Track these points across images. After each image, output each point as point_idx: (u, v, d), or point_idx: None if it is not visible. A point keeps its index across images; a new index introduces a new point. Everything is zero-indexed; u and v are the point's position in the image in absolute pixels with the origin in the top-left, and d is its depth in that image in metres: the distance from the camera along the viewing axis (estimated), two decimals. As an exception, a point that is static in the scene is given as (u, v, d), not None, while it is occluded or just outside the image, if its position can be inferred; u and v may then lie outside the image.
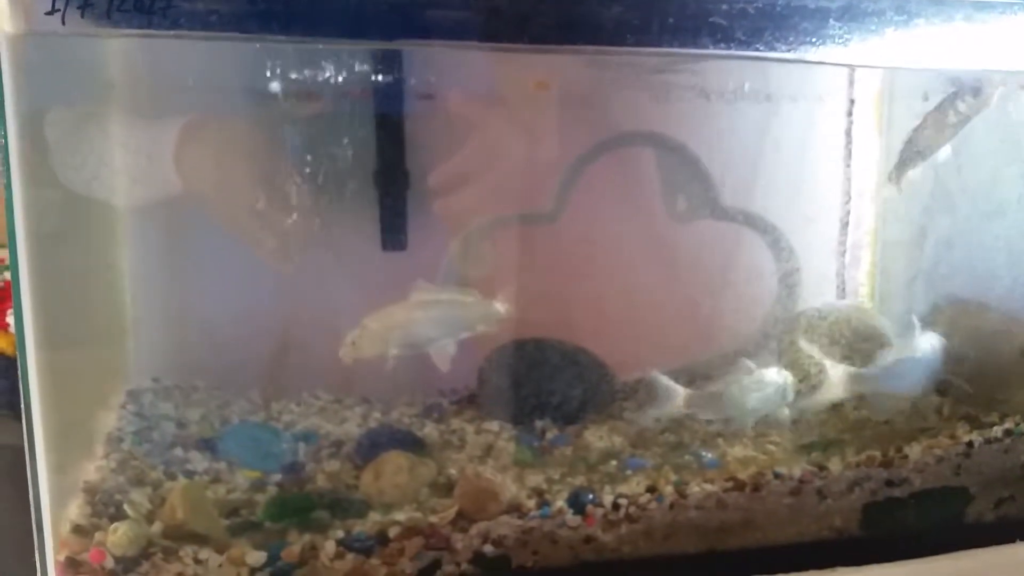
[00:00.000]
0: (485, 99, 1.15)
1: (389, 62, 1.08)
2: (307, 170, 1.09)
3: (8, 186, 0.81)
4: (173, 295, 1.15)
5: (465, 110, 1.15)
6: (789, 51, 0.89)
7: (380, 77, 1.09)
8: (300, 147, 1.09)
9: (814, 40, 0.88)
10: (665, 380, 1.03)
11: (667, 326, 1.18)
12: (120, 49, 1.01)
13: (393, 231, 1.17)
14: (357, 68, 1.08)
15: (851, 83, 1.19)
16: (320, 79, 1.05)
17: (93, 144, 1.02)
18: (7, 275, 1.47)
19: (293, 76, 1.04)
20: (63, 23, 0.72)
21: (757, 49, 0.87)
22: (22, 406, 0.83)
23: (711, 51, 0.87)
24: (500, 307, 1.04)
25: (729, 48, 0.87)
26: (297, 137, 1.09)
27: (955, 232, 1.19)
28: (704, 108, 1.19)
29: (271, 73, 1.04)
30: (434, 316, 1.01)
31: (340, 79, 1.06)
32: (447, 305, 1.02)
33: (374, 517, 0.90)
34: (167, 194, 1.08)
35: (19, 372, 0.82)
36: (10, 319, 1.39)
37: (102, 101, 1.03)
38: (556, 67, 1.14)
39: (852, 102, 1.20)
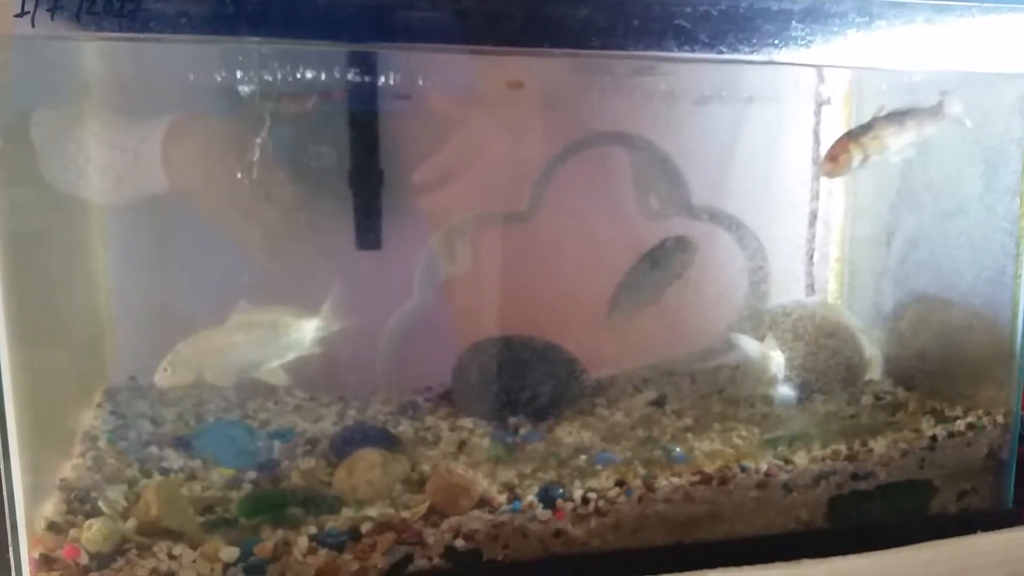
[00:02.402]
0: (459, 99, 1.16)
1: (363, 63, 1.09)
2: (284, 168, 1.10)
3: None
4: (152, 293, 1.16)
5: (439, 110, 1.16)
6: (753, 53, 0.90)
7: (354, 77, 1.10)
8: (278, 146, 1.10)
9: (777, 42, 0.90)
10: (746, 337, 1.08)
11: (637, 323, 1.19)
12: (99, 50, 1.02)
13: (367, 230, 1.18)
14: (331, 69, 1.09)
15: (819, 83, 1.21)
16: (293, 80, 1.06)
17: (77, 144, 1.03)
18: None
19: (268, 77, 1.06)
20: (32, 25, 0.73)
21: (721, 51, 0.89)
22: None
23: (676, 54, 0.89)
24: (326, 324, 1.02)
25: (694, 50, 0.88)
26: (274, 136, 1.10)
27: (920, 230, 1.21)
28: (673, 109, 1.21)
29: (247, 74, 1.05)
30: (256, 339, 0.98)
31: (314, 79, 1.08)
32: (269, 327, 0.99)
33: (347, 513, 0.91)
34: (148, 193, 1.09)
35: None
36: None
37: (82, 102, 1.04)
38: (529, 67, 1.16)
39: (820, 102, 1.21)
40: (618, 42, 0.86)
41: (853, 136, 1.04)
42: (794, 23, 0.90)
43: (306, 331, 1.01)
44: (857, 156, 1.03)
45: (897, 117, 1.05)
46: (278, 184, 1.11)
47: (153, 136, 1.06)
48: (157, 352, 1.14)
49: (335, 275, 1.17)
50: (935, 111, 1.06)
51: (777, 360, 1.11)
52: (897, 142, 1.05)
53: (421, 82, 1.15)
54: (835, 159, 1.03)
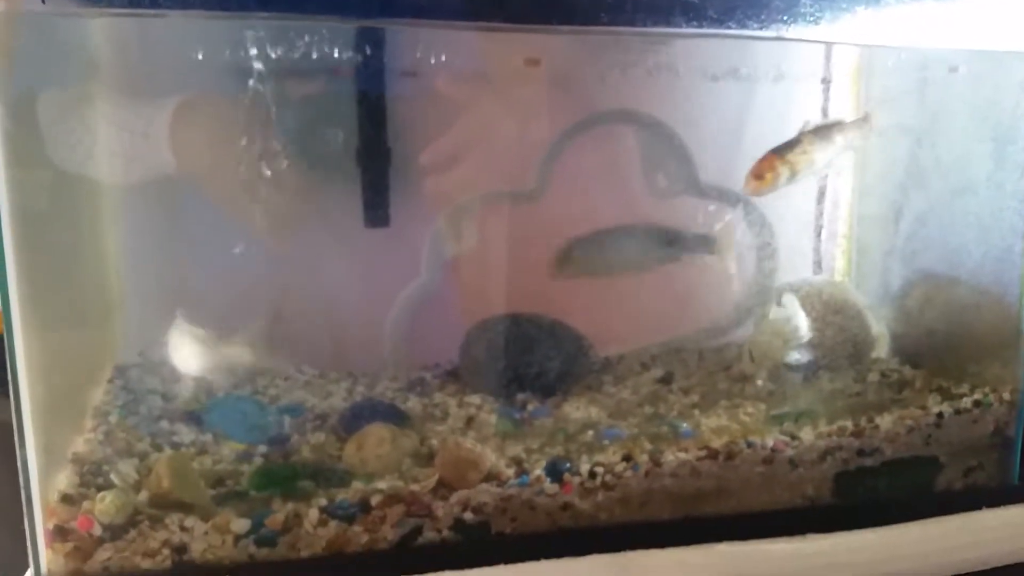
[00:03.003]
0: (466, 77, 1.16)
1: (371, 40, 1.09)
2: (291, 148, 1.10)
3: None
4: (161, 271, 1.16)
5: (446, 88, 1.16)
6: (761, 29, 0.90)
7: (361, 55, 1.10)
8: (285, 125, 1.10)
9: (786, 18, 0.90)
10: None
11: (645, 301, 1.20)
12: (106, 30, 1.02)
13: (375, 208, 1.18)
14: (338, 46, 1.09)
15: (827, 60, 1.21)
16: (302, 56, 1.06)
17: (85, 125, 1.03)
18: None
19: (277, 55, 1.06)
20: (43, 2, 0.73)
21: (729, 27, 0.89)
22: (9, 381, 0.84)
23: (684, 30, 0.89)
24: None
25: (702, 26, 0.88)
26: (282, 116, 1.10)
27: (928, 208, 1.21)
28: (680, 86, 1.20)
29: (257, 52, 1.05)
30: None
31: (321, 57, 1.08)
32: None
33: (357, 486, 0.92)
34: (156, 174, 1.10)
35: (6, 348, 0.84)
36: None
37: (89, 82, 1.04)
38: (538, 46, 1.15)
39: (828, 80, 1.21)
40: (626, 18, 0.86)
41: (780, 152, 1.02)
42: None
43: None
44: (784, 173, 1.01)
45: (824, 131, 1.04)
46: (284, 164, 1.11)
47: (161, 117, 1.07)
48: (166, 329, 1.16)
49: (342, 253, 1.18)
50: (862, 124, 1.05)
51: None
52: (825, 156, 1.03)
53: (428, 60, 1.15)
54: (761, 177, 1.01)
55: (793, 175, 1.02)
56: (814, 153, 1.02)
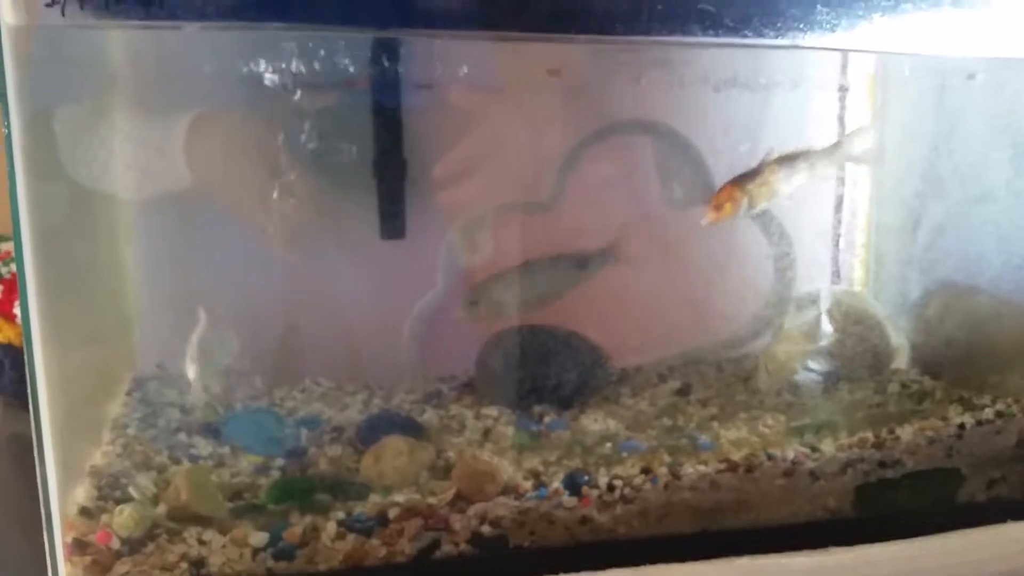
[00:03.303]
0: (483, 88, 1.16)
1: (387, 51, 1.10)
2: (307, 160, 1.11)
3: (12, 179, 0.82)
4: (179, 283, 1.17)
5: (462, 98, 1.16)
6: (778, 37, 0.90)
7: (378, 66, 1.10)
8: (300, 138, 1.11)
9: (802, 26, 0.90)
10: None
11: (662, 313, 1.19)
12: (123, 44, 1.02)
13: (391, 219, 1.18)
14: (355, 57, 1.09)
15: (844, 68, 1.20)
16: (315, 71, 1.06)
17: (102, 138, 1.04)
18: (14, 267, 1.50)
19: (292, 67, 1.06)
20: (63, 15, 0.74)
21: (746, 35, 0.89)
22: (29, 395, 0.84)
23: (701, 39, 0.88)
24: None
25: (718, 35, 0.88)
26: (297, 129, 1.11)
27: (947, 216, 1.20)
28: (696, 95, 1.20)
29: (270, 65, 1.05)
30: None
31: (338, 68, 1.08)
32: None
33: (374, 499, 0.92)
34: (172, 188, 1.10)
35: (26, 361, 0.84)
36: (17, 310, 1.41)
37: (105, 97, 1.04)
38: (555, 56, 1.15)
39: (844, 87, 1.20)
40: (642, 27, 0.86)
41: (739, 183, 1.00)
42: (819, 7, 0.90)
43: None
44: (743, 203, 0.99)
45: (788, 161, 1.01)
46: (300, 178, 1.12)
47: (178, 130, 1.07)
48: (183, 341, 1.16)
49: (358, 265, 1.18)
50: (831, 152, 1.02)
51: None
52: (789, 186, 1.00)
53: (443, 71, 1.15)
54: (719, 207, 0.99)
55: (752, 206, 1.00)
56: (777, 183, 1.00)
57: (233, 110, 1.11)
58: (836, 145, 1.01)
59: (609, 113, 1.21)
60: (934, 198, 1.21)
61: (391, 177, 1.17)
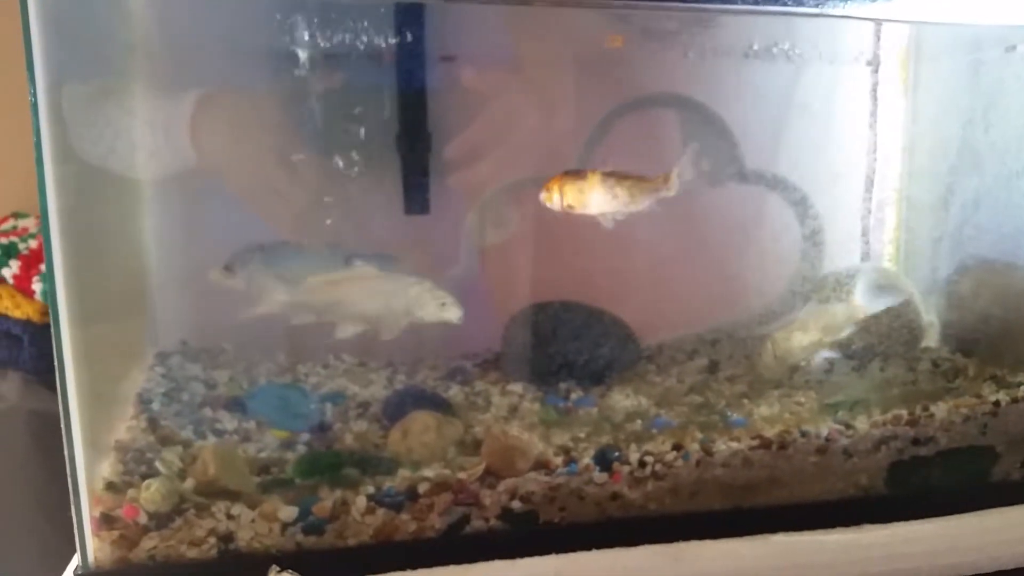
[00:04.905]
0: (506, 60, 1.14)
1: (410, 23, 1.08)
2: (319, 139, 1.09)
3: (38, 149, 0.81)
4: (200, 259, 1.15)
5: (486, 72, 1.14)
6: (815, 6, 0.88)
7: (400, 39, 1.09)
8: (322, 112, 1.09)
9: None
10: None
11: (692, 288, 1.18)
12: (129, 23, 1.01)
13: (415, 195, 1.16)
14: (378, 29, 1.07)
15: (877, 40, 1.18)
16: (341, 39, 1.04)
17: (107, 118, 1.02)
18: (31, 243, 1.49)
19: (312, 38, 1.04)
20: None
21: (784, 3, 0.87)
22: (56, 371, 0.83)
23: (731, 6, 0.86)
24: None
25: (747, 3, 0.86)
26: (319, 102, 1.09)
27: (982, 192, 1.18)
28: (725, 69, 1.18)
29: (292, 36, 1.04)
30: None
31: (361, 40, 1.06)
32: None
33: (404, 474, 0.91)
34: (180, 168, 1.09)
35: (52, 339, 0.83)
36: (35, 286, 1.40)
37: (112, 76, 1.03)
38: (577, 28, 1.13)
39: (877, 60, 1.18)
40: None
41: (565, 177, 0.98)
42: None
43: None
44: (556, 197, 0.97)
45: (611, 180, 0.97)
46: (323, 152, 1.10)
47: (182, 111, 1.05)
48: (205, 316, 1.15)
49: (382, 240, 1.17)
50: (660, 186, 0.97)
51: None
52: (604, 205, 0.97)
53: (467, 44, 1.13)
54: (547, 191, 0.98)
55: (568, 205, 0.97)
56: (590, 194, 0.96)
57: (238, 92, 1.09)
58: (666, 178, 0.96)
59: (637, 86, 1.19)
60: (969, 173, 1.19)
61: (415, 151, 1.16)
